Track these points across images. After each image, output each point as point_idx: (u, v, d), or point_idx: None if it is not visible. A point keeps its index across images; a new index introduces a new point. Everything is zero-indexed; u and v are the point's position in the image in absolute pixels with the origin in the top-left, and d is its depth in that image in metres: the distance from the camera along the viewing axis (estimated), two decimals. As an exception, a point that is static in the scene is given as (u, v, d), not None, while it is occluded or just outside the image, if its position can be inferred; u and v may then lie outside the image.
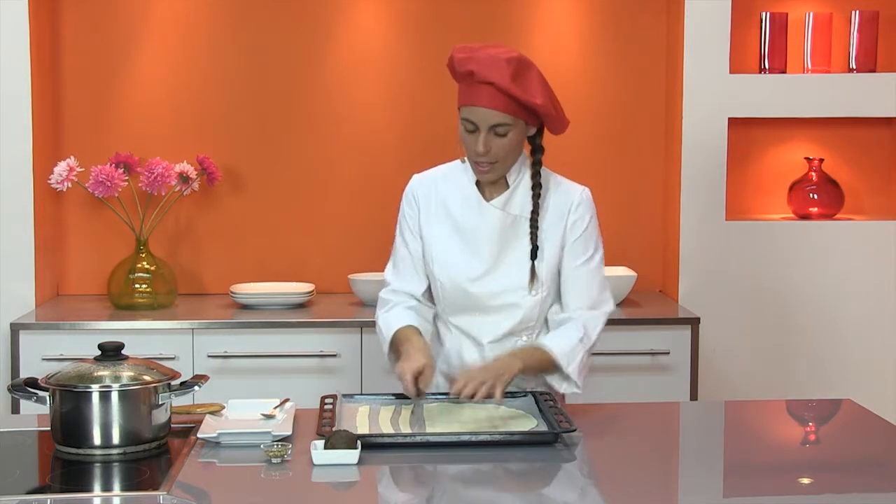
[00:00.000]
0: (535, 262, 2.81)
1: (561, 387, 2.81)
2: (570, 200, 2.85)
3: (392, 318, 2.88)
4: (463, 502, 2.30)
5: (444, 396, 2.82)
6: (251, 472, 2.38)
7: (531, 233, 2.80)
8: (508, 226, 2.82)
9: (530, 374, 2.77)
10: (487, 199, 2.83)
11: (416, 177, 2.94)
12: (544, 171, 2.85)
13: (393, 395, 2.85)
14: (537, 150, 2.81)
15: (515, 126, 2.71)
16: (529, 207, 2.81)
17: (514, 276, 2.82)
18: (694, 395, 3.95)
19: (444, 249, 2.85)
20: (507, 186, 2.82)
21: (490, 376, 2.62)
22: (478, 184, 2.84)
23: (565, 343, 2.78)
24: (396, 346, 2.84)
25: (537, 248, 2.81)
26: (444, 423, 2.64)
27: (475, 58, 2.69)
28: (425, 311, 2.92)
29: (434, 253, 2.87)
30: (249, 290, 4.18)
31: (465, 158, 2.83)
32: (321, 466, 2.37)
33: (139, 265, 4.09)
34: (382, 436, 2.53)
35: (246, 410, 2.69)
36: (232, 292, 4.10)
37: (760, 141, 4.44)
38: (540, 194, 2.80)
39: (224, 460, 2.44)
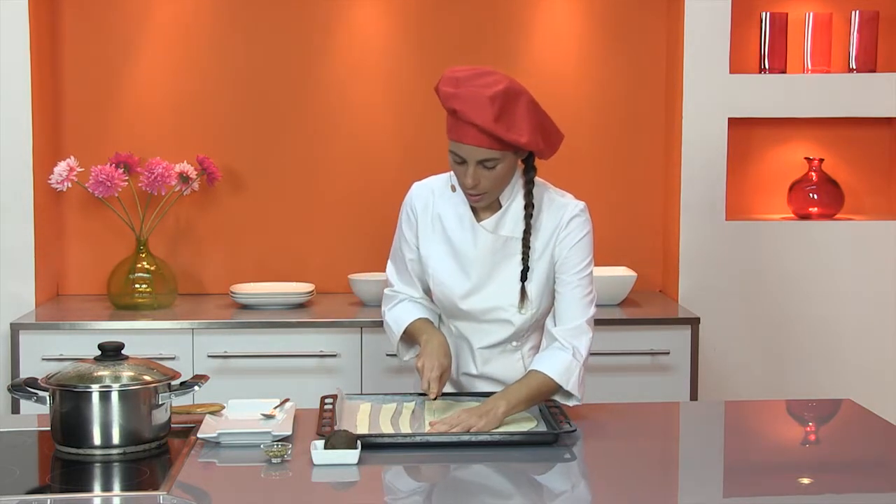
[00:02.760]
0: (525, 284, 2.79)
1: (562, 400, 2.78)
2: (561, 217, 2.80)
3: (402, 311, 2.92)
4: (463, 502, 2.30)
5: (445, 395, 2.82)
6: (251, 472, 2.38)
7: (523, 253, 2.78)
8: (499, 247, 2.80)
9: (523, 408, 2.70)
10: (480, 219, 2.80)
11: (415, 186, 2.92)
12: (540, 187, 2.81)
13: (394, 394, 2.85)
14: (530, 170, 2.77)
15: (504, 158, 2.68)
16: (521, 227, 2.78)
17: (505, 295, 2.82)
18: (694, 395, 3.95)
19: (437, 265, 2.85)
20: (500, 207, 2.80)
21: (470, 418, 2.60)
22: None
23: (559, 364, 2.74)
24: (413, 337, 2.88)
25: (528, 269, 2.78)
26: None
27: (459, 95, 2.62)
28: (430, 304, 2.95)
29: (429, 267, 2.87)
30: (249, 290, 4.18)
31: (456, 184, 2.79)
32: (321, 466, 2.37)
33: (139, 265, 4.08)
34: (382, 436, 2.54)
35: (246, 410, 2.69)
36: (232, 292, 4.10)
37: (760, 141, 4.44)
38: (532, 214, 2.77)
39: (224, 460, 2.44)
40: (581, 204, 2.84)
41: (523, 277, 2.79)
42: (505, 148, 2.66)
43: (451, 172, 2.80)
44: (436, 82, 2.72)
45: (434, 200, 2.86)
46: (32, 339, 3.82)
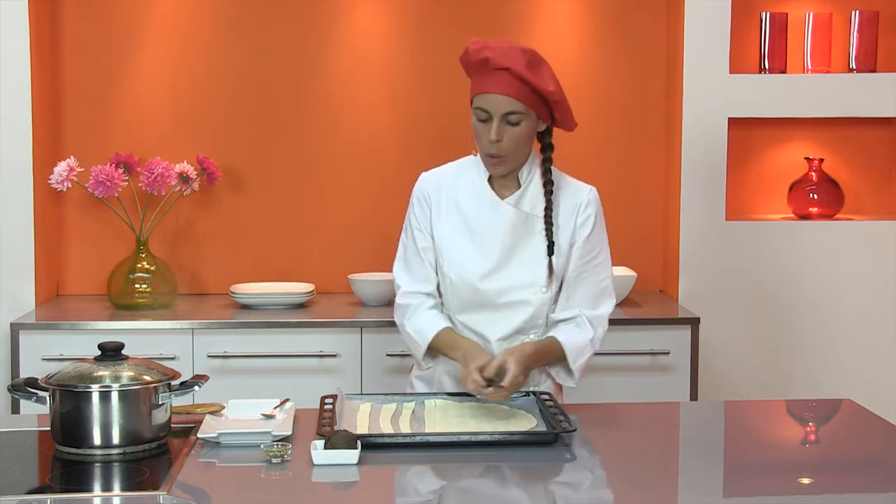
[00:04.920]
0: (552, 259, 2.83)
1: (560, 378, 2.87)
2: (579, 200, 2.88)
3: (423, 322, 2.88)
4: (463, 502, 2.30)
5: (445, 395, 2.83)
6: (251, 472, 2.38)
7: (546, 229, 2.82)
8: (521, 223, 2.83)
9: (538, 365, 2.82)
10: (501, 198, 2.85)
11: (424, 175, 2.95)
12: (553, 169, 2.87)
13: (394, 394, 2.85)
14: (547, 148, 2.84)
15: (528, 116, 2.74)
16: (541, 205, 2.83)
17: (526, 273, 2.84)
18: (694, 395, 3.95)
19: (453, 246, 2.86)
20: (519, 185, 2.85)
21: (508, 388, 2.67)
22: (489, 182, 2.86)
23: (578, 340, 2.83)
24: (440, 351, 2.86)
25: (553, 244, 2.82)
26: (444, 422, 2.64)
27: (490, 46, 2.74)
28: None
29: (444, 250, 2.88)
30: (249, 290, 4.18)
31: (477, 153, 2.85)
32: (321, 466, 2.37)
33: (139, 265, 4.09)
34: (382, 436, 2.53)
35: (246, 410, 2.69)
36: (232, 292, 4.10)
37: (760, 141, 4.44)
38: (552, 191, 2.82)
39: (224, 460, 2.44)
40: (594, 189, 2.94)
41: (550, 252, 2.81)
42: (531, 103, 2.72)
43: (472, 154, 2.86)
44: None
45: (447, 183, 2.89)
46: (32, 339, 3.82)
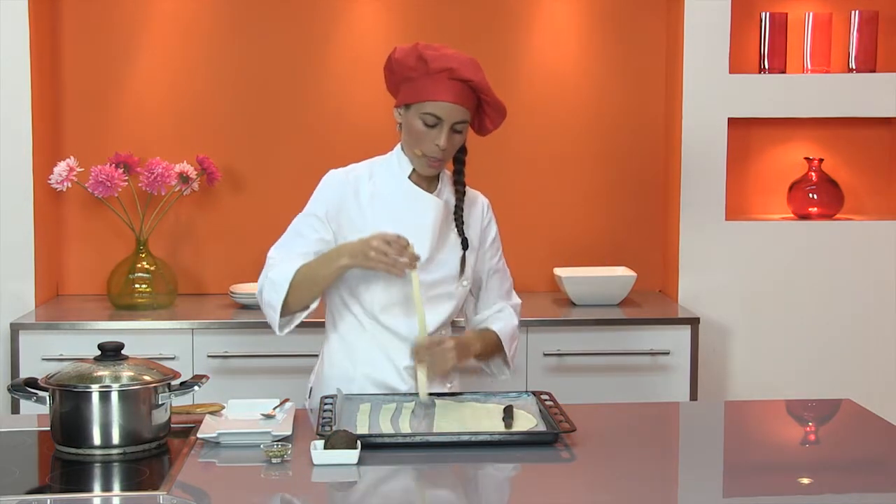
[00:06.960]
0: (466, 253, 2.91)
1: (496, 368, 2.99)
2: (481, 203, 2.99)
3: (287, 266, 2.78)
4: (463, 502, 2.30)
5: (444, 395, 2.83)
6: (251, 472, 2.38)
7: (457, 226, 2.90)
8: (444, 217, 2.88)
9: (479, 360, 2.91)
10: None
11: (334, 173, 2.94)
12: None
13: (394, 394, 2.85)
14: (462, 151, 2.90)
15: (468, 124, 2.83)
16: (453, 202, 2.91)
17: (449, 266, 2.90)
18: (694, 395, 3.95)
19: None
20: (437, 180, 2.91)
21: (455, 346, 2.74)
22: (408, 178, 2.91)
23: (509, 328, 2.95)
24: (307, 279, 2.77)
25: (466, 238, 2.90)
26: (444, 422, 2.64)
27: (449, 56, 2.78)
28: None
29: None
30: (249, 290, 4.17)
31: (404, 153, 2.89)
32: (321, 466, 2.38)
33: (139, 265, 4.09)
34: (382, 436, 2.54)
35: (246, 410, 2.69)
36: (232, 292, 4.10)
37: (760, 141, 4.44)
38: (464, 191, 2.91)
39: (224, 460, 2.44)
40: None
41: (465, 246, 2.90)
42: (474, 112, 2.81)
43: (404, 154, 2.88)
44: (389, 64, 2.85)
45: (364, 182, 2.91)
46: (32, 339, 3.82)
